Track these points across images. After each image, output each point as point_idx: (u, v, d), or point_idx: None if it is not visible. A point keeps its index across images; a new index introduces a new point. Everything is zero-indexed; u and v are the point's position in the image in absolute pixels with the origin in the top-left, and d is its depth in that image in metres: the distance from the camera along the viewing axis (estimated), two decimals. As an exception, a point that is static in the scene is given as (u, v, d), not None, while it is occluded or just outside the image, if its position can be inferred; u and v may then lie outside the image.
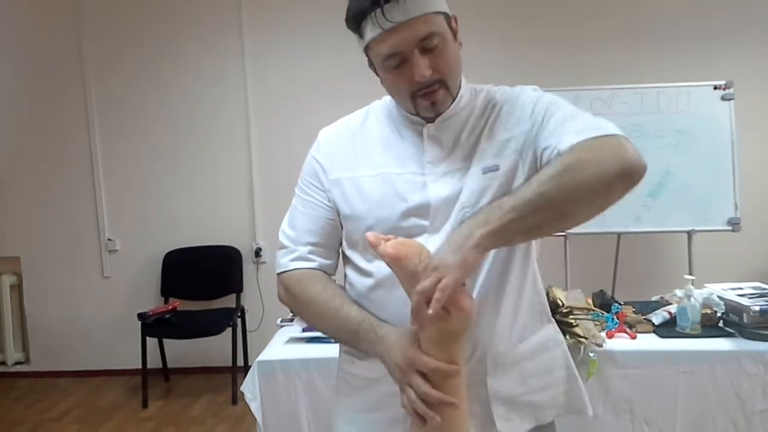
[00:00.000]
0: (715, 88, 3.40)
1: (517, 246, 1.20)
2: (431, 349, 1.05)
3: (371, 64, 1.19)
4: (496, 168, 1.15)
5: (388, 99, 1.28)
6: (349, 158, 1.25)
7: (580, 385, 1.34)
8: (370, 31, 1.09)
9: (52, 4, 4.15)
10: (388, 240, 1.06)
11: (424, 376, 1.05)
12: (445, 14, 1.12)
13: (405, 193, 1.18)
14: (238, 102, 4.13)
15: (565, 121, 1.10)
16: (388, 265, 1.06)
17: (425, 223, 1.17)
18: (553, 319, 1.35)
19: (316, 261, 1.27)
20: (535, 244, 1.27)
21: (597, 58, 3.87)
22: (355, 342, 1.19)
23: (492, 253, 1.14)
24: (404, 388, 1.08)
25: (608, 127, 1.05)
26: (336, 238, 1.29)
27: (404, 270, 1.05)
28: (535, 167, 1.12)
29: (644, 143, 3.32)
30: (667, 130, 3.38)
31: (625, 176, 1.00)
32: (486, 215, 1.02)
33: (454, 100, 1.19)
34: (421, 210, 1.17)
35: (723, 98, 3.38)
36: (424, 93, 1.13)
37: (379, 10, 1.06)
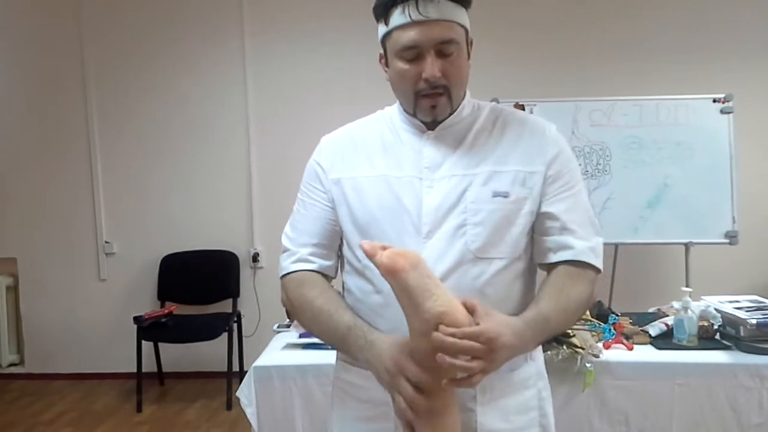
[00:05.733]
0: (715, 101, 3.41)
1: (522, 271, 1.23)
2: (421, 347, 1.01)
3: (382, 57, 1.23)
4: (506, 195, 1.19)
5: (391, 109, 1.31)
6: (349, 160, 1.27)
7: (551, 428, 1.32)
8: (398, 18, 1.15)
9: (53, 6, 4.15)
10: (384, 249, 1.02)
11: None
12: (466, 30, 1.19)
13: (402, 196, 1.20)
14: (238, 106, 4.13)
15: (577, 213, 1.22)
16: (383, 276, 1.02)
17: (420, 226, 1.18)
18: (542, 354, 1.35)
19: (316, 263, 1.28)
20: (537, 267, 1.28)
21: (597, 69, 3.88)
22: (345, 347, 1.18)
23: (500, 274, 1.18)
24: (393, 394, 1.07)
25: (599, 246, 1.23)
26: (337, 239, 1.30)
27: (400, 283, 1.00)
28: (537, 212, 1.22)
29: (643, 155, 3.34)
30: (666, 142, 3.39)
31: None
32: (535, 338, 1.14)
33: (453, 111, 1.22)
34: (417, 213, 1.18)
35: (722, 111, 3.40)
36: (427, 94, 1.17)
37: (413, 2, 1.13)
